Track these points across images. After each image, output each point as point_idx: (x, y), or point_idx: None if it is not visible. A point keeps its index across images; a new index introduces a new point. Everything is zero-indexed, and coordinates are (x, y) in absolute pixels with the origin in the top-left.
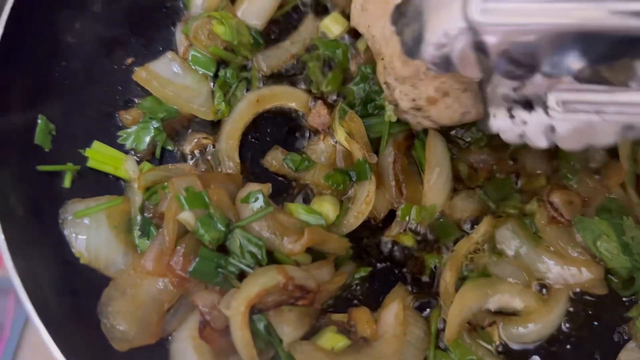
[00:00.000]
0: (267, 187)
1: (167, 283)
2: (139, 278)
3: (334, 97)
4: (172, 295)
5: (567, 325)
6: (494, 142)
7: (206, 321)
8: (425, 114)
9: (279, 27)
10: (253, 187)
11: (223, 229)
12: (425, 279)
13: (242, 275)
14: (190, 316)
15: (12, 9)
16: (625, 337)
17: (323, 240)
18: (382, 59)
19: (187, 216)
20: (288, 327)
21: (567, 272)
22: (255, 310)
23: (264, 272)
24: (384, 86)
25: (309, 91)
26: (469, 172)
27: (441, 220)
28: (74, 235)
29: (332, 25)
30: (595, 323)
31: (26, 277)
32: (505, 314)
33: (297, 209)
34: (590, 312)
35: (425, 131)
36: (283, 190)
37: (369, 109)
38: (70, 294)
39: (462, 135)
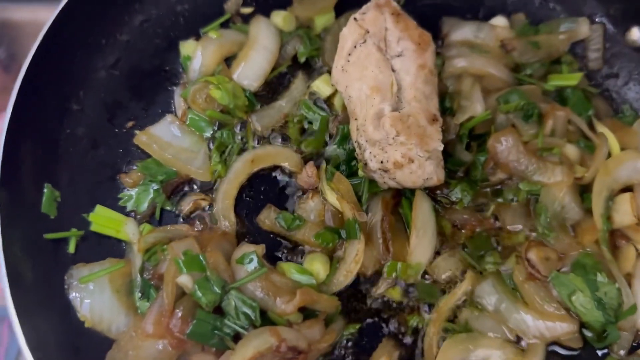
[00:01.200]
0: (261, 248)
1: (166, 344)
2: (140, 340)
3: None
4: (171, 355)
5: None
6: (477, 201)
7: None
8: (392, 176)
9: (271, 87)
10: (247, 248)
11: (219, 291)
12: (408, 339)
13: (237, 337)
14: None
15: (22, 82)
16: None
17: (314, 301)
18: (356, 119)
19: (185, 280)
20: None
21: (544, 326)
22: None
23: (258, 335)
24: (355, 144)
25: (300, 151)
26: (452, 231)
27: (425, 280)
28: (79, 299)
29: (323, 86)
30: None
31: (34, 341)
32: None
33: (290, 268)
34: None
35: (412, 190)
36: (276, 248)
37: (353, 167)
38: (74, 356)
39: (447, 195)
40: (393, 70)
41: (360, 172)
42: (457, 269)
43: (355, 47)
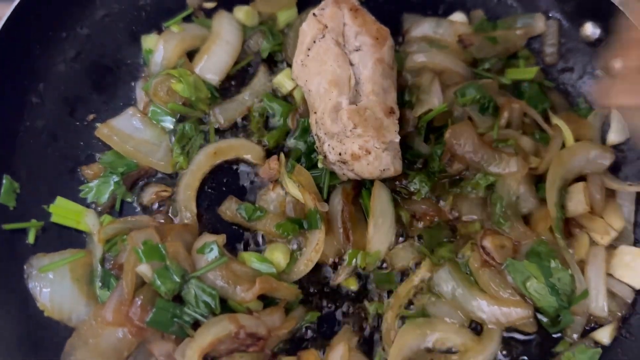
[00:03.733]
0: (222, 238)
1: (126, 332)
2: (100, 328)
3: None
4: (131, 343)
5: None
6: (435, 193)
7: None
8: (350, 168)
9: (234, 81)
10: (208, 238)
11: (178, 280)
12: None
13: (196, 324)
14: None
15: None
16: None
17: (274, 289)
18: (315, 112)
19: (144, 269)
20: None
21: (500, 312)
22: (208, 358)
23: (217, 322)
24: (315, 137)
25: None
26: (410, 220)
27: (382, 270)
28: (38, 289)
29: (285, 81)
30: (525, 358)
31: None
32: (443, 352)
33: (250, 257)
34: (521, 348)
35: (372, 181)
36: (237, 239)
37: (313, 159)
38: (33, 346)
39: (406, 186)
40: (351, 65)
41: (320, 164)
42: (414, 259)
43: (314, 42)
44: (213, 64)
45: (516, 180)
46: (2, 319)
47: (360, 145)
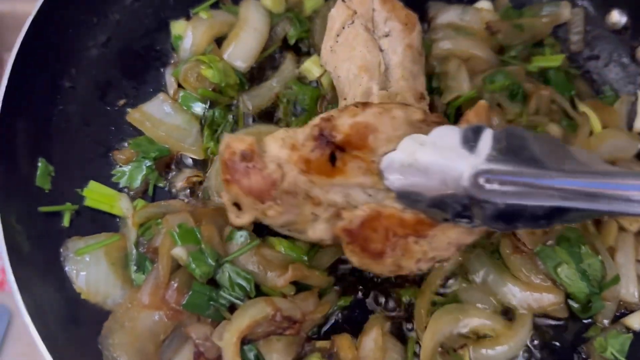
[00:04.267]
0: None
1: (162, 315)
2: (136, 311)
3: None
4: (167, 326)
5: (532, 345)
6: None
7: (200, 352)
8: None
9: (262, 68)
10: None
11: (213, 263)
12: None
13: (232, 307)
14: (184, 346)
15: (15, 59)
16: (584, 356)
17: (306, 277)
18: (345, 98)
19: (179, 252)
20: (277, 355)
21: (531, 297)
22: (245, 340)
23: (253, 304)
24: None
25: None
26: None
27: None
28: (74, 271)
29: (313, 68)
30: (557, 344)
31: (33, 310)
32: (475, 337)
33: (280, 243)
34: (552, 334)
35: None
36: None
37: None
38: (74, 326)
39: None
40: (381, 50)
41: None
42: None
43: (343, 28)
44: (241, 51)
45: None
46: (43, 299)
47: None
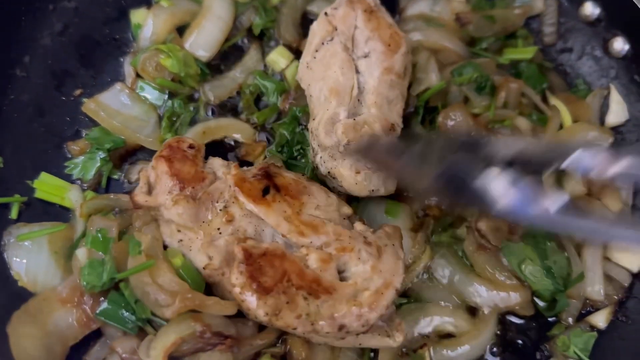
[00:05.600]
0: (147, 238)
1: (74, 320)
2: (54, 303)
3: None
4: (77, 333)
5: (494, 347)
6: None
7: None
8: (339, 183)
9: (225, 58)
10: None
11: (105, 280)
12: None
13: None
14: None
15: None
16: (547, 354)
17: (203, 305)
18: (314, 119)
19: (81, 253)
20: None
21: (497, 296)
22: (172, 358)
23: (180, 321)
24: (310, 145)
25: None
26: (420, 221)
27: None
28: (14, 258)
29: (278, 59)
30: (520, 342)
31: None
32: (437, 337)
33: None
34: (515, 331)
35: None
36: None
37: (294, 152)
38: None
39: None
40: (357, 72)
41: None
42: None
43: (322, 44)
44: (204, 40)
45: None
46: None
47: (351, 164)
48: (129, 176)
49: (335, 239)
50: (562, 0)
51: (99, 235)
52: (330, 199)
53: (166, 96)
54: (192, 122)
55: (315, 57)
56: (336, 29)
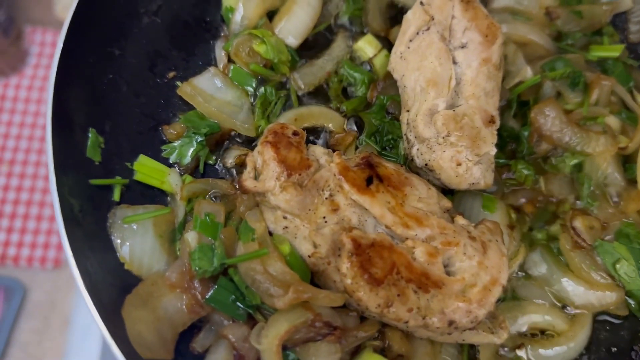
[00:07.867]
0: (262, 225)
1: (183, 304)
2: (163, 287)
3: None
4: (185, 320)
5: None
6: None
7: (241, 356)
8: (436, 176)
9: (312, 45)
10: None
11: (216, 265)
12: None
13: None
14: (219, 344)
15: (69, 26)
16: None
17: (312, 298)
18: (408, 111)
19: (191, 237)
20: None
21: (593, 296)
22: (285, 346)
23: (292, 309)
24: (404, 137)
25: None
26: (517, 217)
27: None
28: (119, 240)
29: (366, 47)
30: (613, 342)
31: (85, 276)
32: (534, 336)
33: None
34: (608, 332)
35: None
36: None
37: (385, 142)
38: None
39: (513, 176)
40: (455, 63)
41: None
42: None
43: (417, 33)
44: (293, 26)
45: (605, 159)
46: (96, 265)
47: (452, 155)
48: (224, 161)
49: (440, 233)
50: None
51: (208, 219)
52: (431, 191)
53: (255, 83)
54: (285, 108)
55: (409, 47)
56: (433, 19)
